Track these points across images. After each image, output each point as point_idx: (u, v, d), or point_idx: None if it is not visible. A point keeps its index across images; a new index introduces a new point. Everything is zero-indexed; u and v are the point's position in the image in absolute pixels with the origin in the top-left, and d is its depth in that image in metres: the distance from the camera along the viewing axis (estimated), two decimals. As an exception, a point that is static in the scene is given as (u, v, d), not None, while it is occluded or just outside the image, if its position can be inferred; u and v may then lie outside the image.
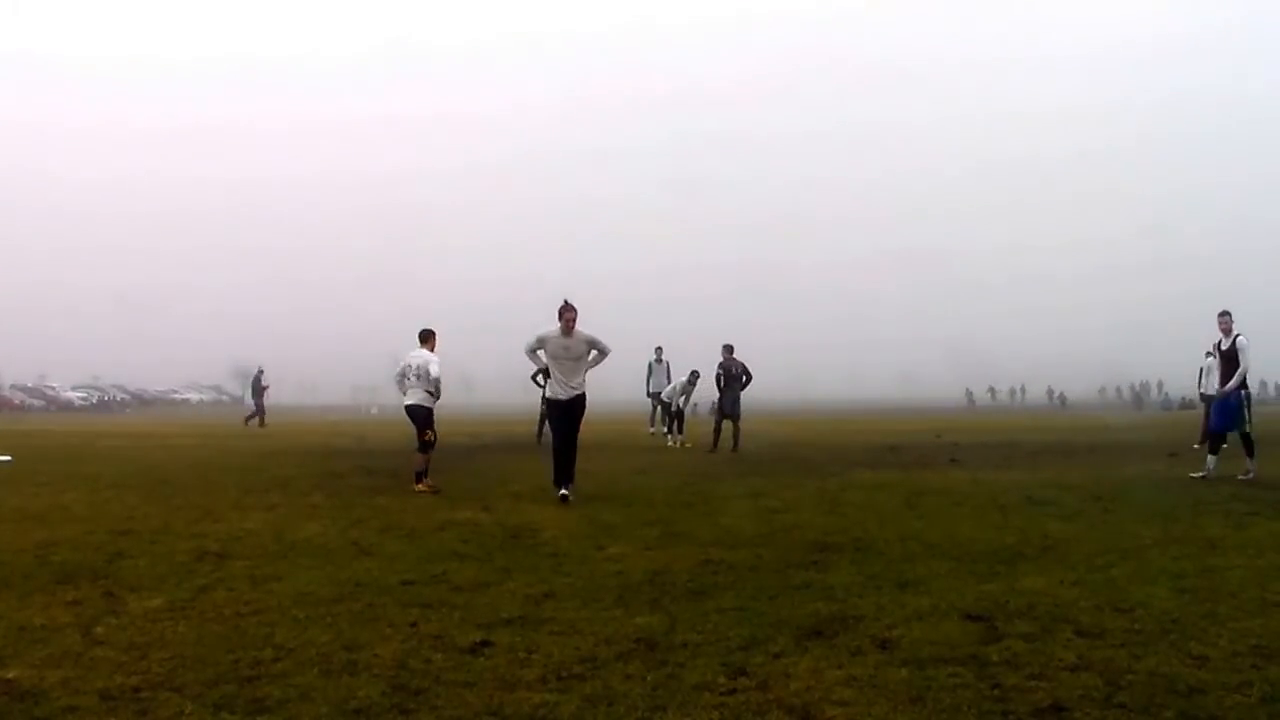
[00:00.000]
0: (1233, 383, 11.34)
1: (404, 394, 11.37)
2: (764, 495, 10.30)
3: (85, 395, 68.43)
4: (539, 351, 10.11)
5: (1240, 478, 11.24)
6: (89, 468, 14.35)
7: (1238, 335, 11.34)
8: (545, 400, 10.04)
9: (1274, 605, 5.06)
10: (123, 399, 71.36)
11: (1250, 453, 11.49)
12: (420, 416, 11.17)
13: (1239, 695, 3.69)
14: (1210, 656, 4.16)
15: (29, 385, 67.60)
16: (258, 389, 30.75)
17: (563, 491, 9.82)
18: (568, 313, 9.89)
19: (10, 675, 4.06)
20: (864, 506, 9.32)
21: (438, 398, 11.28)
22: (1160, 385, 63.31)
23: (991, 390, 78.09)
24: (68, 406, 62.37)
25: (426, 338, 11.43)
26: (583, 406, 10.15)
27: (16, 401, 60.23)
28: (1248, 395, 11.51)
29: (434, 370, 11.13)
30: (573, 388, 9.98)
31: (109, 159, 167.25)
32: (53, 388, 68.45)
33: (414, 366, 11.22)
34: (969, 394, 74.85)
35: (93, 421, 41.48)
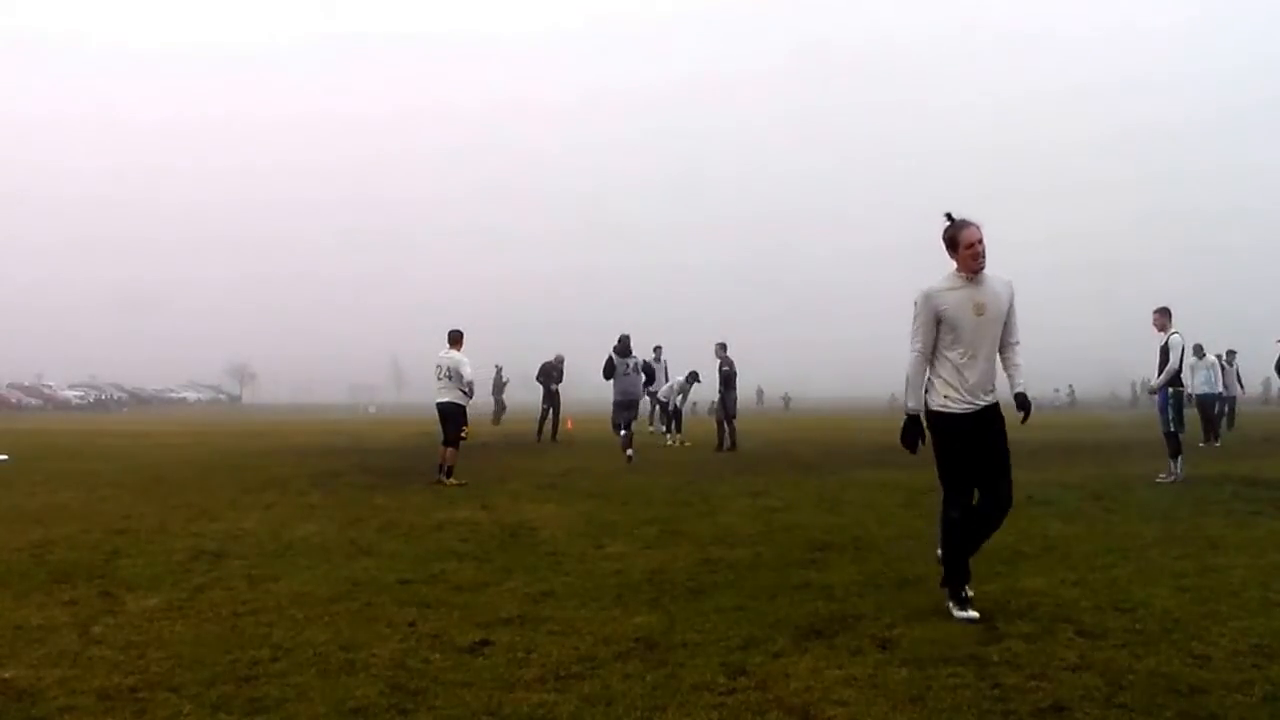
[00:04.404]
0: (1159, 380, 11.34)
1: (436, 394, 11.87)
2: (763, 494, 10.29)
3: (82, 394, 68.45)
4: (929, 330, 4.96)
5: (1160, 479, 11.23)
6: (86, 467, 14.33)
7: (1173, 333, 11.23)
8: (937, 415, 5.00)
9: (1276, 604, 5.05)
10: (120, 398, 71.35)
11: (1172, 453, 11.37)
12: (452, 414, 11.64)
13: (1240, 695, 3.68)
14: (1212, 656, 4.15)
15: (26, 384, 67.57)
16: (499, 386, 30.23)
17: (970, 613, 4.82)
18: (969, 234, 4.91)
19: (7, 675, 4.04)
20: (864, 505, 9.31)
21: (470, 397, 11.80)
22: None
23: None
24: (65, 405, 62.39)
25: (455, 339, 11.89)
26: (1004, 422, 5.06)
27: (13, 400, 60.23)
28: (1177, 395, 11.40)
29: (466, 371, 11.66)
30: (985, 384, 4.98)
31: (106, 152, 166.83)
32: (49, 386, 68.46)
33: (444, 367, 11.72)
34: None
35: (90, 420, 41.46)
